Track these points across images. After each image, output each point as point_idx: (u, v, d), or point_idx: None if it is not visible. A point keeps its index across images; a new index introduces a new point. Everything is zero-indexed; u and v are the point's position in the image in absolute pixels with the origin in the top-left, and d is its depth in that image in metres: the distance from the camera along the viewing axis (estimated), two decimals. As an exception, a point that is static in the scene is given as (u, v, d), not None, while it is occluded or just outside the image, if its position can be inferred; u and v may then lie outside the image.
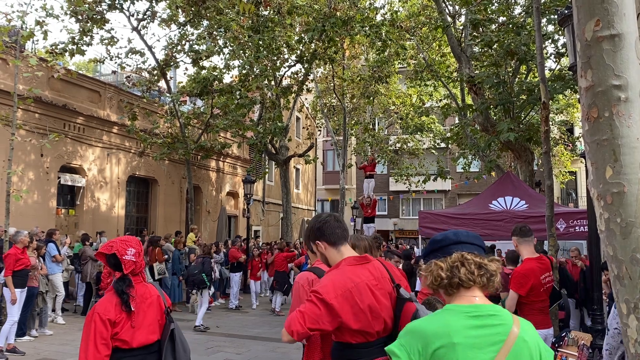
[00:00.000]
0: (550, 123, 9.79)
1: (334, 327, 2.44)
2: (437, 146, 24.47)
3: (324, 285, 2.48)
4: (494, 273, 1.82)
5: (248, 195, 18.00)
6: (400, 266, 7.93)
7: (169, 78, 17.37)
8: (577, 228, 8.59)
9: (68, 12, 14.28)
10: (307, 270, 3.30)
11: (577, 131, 27.68)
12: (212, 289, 12.82)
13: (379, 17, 17.40)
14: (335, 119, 26.71)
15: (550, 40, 12.53)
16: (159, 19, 16.25)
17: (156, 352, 3.04)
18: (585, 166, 1.96)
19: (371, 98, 22.75)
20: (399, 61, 20.19)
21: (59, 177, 14.33)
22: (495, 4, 12.68)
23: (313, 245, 2.77)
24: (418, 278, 8.58)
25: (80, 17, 14.29)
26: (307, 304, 2.44)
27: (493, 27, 11.96)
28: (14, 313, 8.06)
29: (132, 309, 2.93)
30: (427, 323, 1.73)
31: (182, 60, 16.60)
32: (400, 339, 1.72)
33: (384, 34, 15.43)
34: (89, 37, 14.65)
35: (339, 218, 2.88)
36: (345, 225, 2.85)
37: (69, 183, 14.76)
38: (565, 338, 4.96)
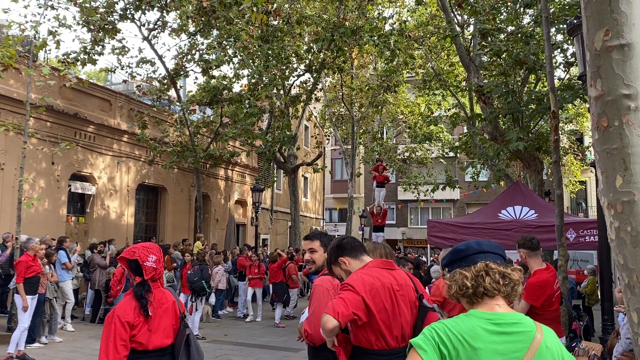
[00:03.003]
0: (560, 132, 9.75)
1: (366, 318, 2.55)
2: (446, 155, 24.42)
3: (354, 280, 2.60)
4: (517, 282, 1.83)
5: (256, 204, 18.05)
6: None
7: (179, 87, 17.51)
8: (587, 238, 8.52)
9: (80, 22, 14.46)
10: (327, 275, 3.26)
11: (587, 140, 27.55)
12: (213, 297, 12.70)
13: (387, 27, 17.48)
14: (343, 127, 26.77)
15: (559, 50, 12.51)
16: (170, 29, 16.40)
17: (169, 355, 3.13)
18: (596, 175, 1.96)
19: (379, 107, 22.79)
20: (408, 70, 20.24)
21: (69, 185, 14.46)
22: (504, 14, 12.69)
23: (335, 266, 2.89)
24: (427, 287, 8.53)
25: (92, 27, 14.46)
26: (344, 293, 2.53)
27: (502, 36, 11.96)
28: (24, 320, 8.11)
29: (150, 314, 3.03)
30: (453, 322, 1.74)
31: (192, 70, 16.74)
32: (423, 333, 1.72)
33: (392, 43, 15.48)
34: (100, 47, 14.82)
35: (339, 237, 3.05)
36: (359, 240, 3.00)
37: (80, 191, 14.87)
38: (576, 348, 4.93)
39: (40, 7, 13.58)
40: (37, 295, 8.47)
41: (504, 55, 11.09)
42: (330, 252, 2.92)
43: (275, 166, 22.18)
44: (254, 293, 13.22)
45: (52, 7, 13.71)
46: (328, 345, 2.65)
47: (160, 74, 16.75)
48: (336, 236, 3.27)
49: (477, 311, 1.78)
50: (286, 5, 16.59)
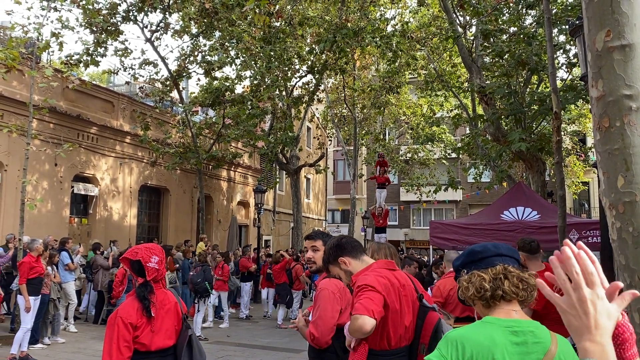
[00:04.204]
0: (562, 133, 9.70)
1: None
2: (448, 156, 24.40)
3: (369, 281, 2.57)
4: (534, 288, 1.80)
5: (259, 205, 18.06)
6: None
7: (181, 88, 17.54)
8: (590, 239, 8.50)
9: (83, 24, 14.51)
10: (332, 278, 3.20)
11: (590, 141, 27.48)
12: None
13: (389, 28, 17.47)
14: (345, 129, 26.77)
15: (561, 51, 12.49)
16: (172, 31, 16.45)
17: (172, 356, 3.14)
18: (598, 176, 1.96)
19: (382, 108, 22.80)
20: (410, 71, 20.23)
21: (72, 187, 14.48)
22: (506, 15, 12.69)
23: (334, 266, 2.83)
24: (429, 288, 8.53)
25: (94, 28, 14.50)
26: (368, 293, 2.52)
27: (504, 37, 11.95)
28: (27, 321, 8.13)
29: (152, 315, 3.03)
30: (471, 332, 1.69)
31: (194, 71, 16.78)
32: (439, 349, 1.67)
33: (394, 44, 15.49)
34: (103, 49, 14.87)
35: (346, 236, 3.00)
36: (357, 240, 2.97)
37: (82, 192, 14.90)
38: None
39: (43, 9, 13.63)
40: (40, 296, 8.49)
41: (506, 56, 11.09)
42: (329, 252, 2.84)
43: (277, 167, 22.20)
44: (219, 297, 12.47)
45: (55, 9, 13.74)
46: (352, 352, 2.63)
47: (163, 76, 16.80)
48: None
49: (494, 318, 1.73)
50: (288, 7, 16.61)
